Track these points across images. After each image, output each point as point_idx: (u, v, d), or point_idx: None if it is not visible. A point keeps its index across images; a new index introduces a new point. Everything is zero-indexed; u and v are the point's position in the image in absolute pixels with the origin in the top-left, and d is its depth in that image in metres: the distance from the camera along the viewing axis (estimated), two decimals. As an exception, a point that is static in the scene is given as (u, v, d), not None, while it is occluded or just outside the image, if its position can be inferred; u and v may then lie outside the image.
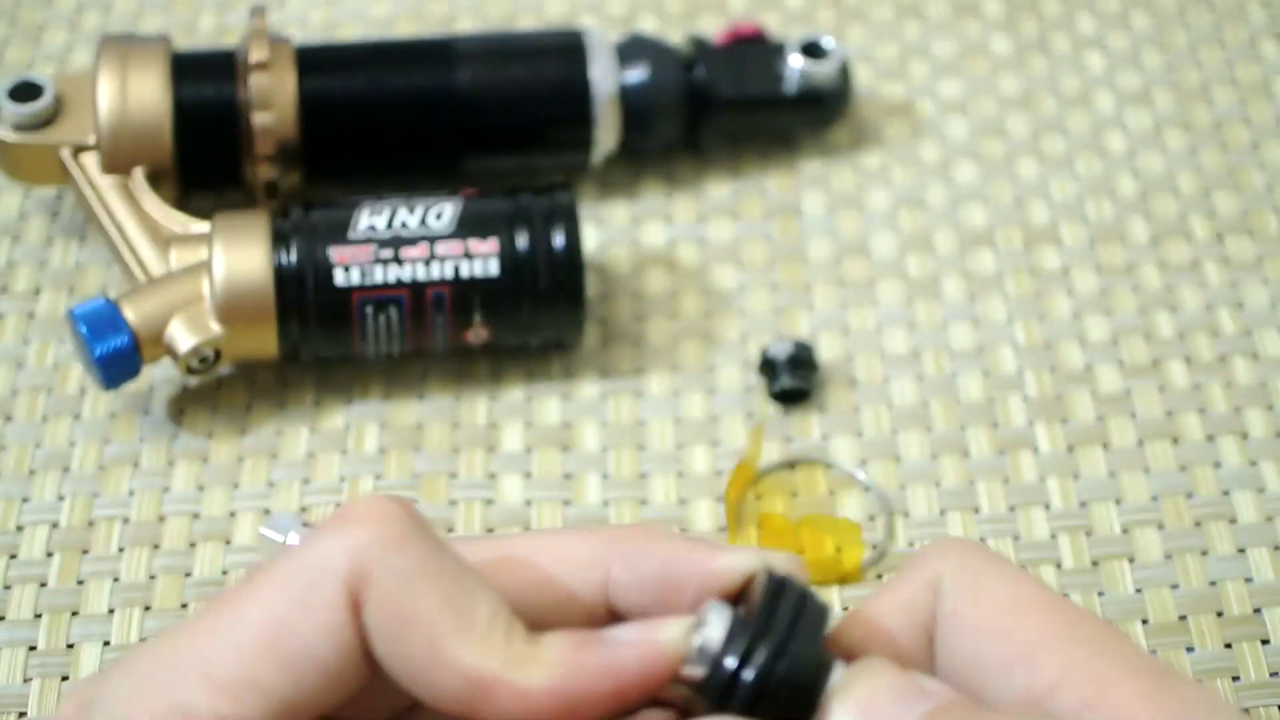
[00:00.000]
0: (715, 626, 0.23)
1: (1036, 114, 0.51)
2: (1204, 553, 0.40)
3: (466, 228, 0.41)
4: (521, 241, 0.41)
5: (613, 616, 0.25)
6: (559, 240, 0.41)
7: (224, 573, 0.39)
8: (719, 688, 0.23)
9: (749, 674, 0.23)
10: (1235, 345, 0.45)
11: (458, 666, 0.22)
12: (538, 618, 0.24)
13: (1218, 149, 0.50)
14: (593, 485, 0.41)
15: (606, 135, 0.46)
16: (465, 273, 0.40)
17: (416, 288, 0.40)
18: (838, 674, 0.23)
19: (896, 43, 0.53)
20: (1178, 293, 0.46)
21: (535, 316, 0.41)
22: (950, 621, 0.24)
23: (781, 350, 0.42)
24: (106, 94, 0.43)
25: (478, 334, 0.41)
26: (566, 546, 0.25)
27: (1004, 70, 0.52)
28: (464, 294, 0.40)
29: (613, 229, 0.47)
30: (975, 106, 0.51)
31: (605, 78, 0.45)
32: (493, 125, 0.46)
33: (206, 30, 0.52)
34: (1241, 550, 0.40)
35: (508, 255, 0.40)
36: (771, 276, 0.46)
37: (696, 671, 0.23)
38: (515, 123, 0.46)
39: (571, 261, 0.41)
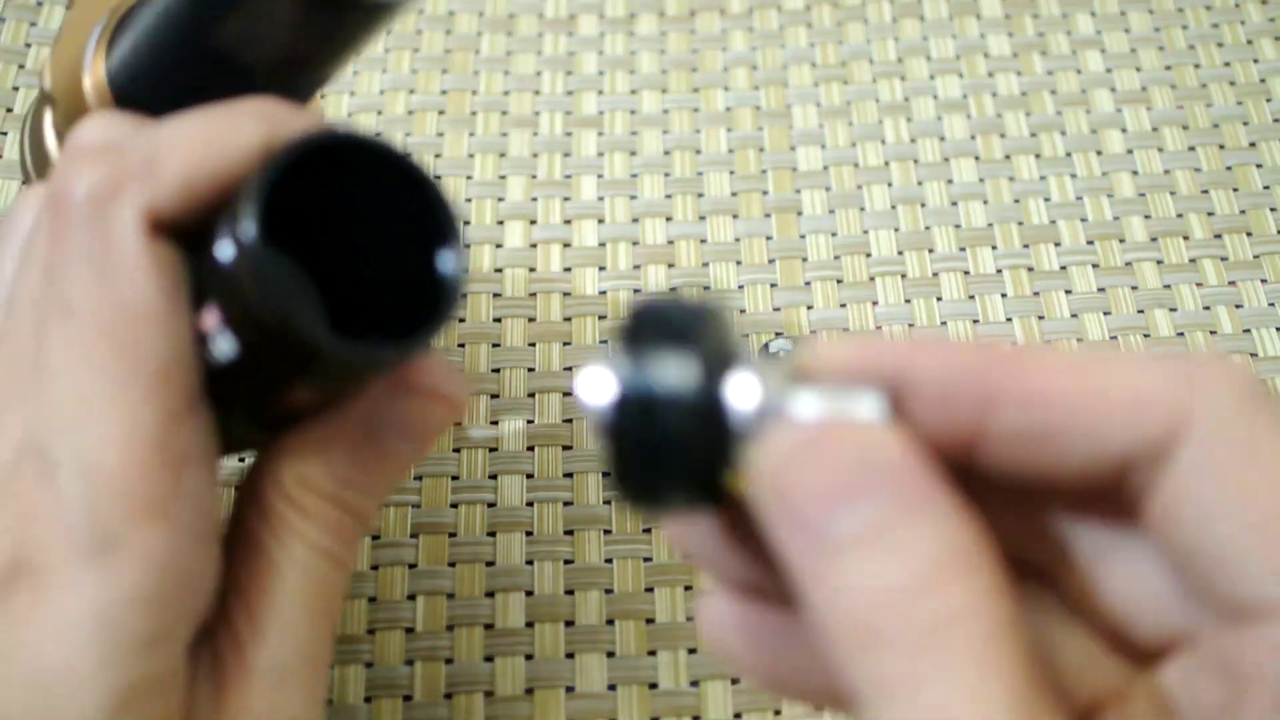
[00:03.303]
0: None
1: (1035, 113, 0.51)
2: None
3: None
4: None
5: None
6: None
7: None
8: (605, 426, 0.22)
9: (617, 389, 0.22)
10: (1233, 344, 0.45)
11: None
12: None
13: (1216, 148, 0.50)
14: (593, 483, 0.42)
15: None
16: None
17: None
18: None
19: (896, 42, 0.53)
20: (1176, 291, 0.46)
21: None
22: (1195, 478, 0.20)
23: (781, 348, 0.43)
24: (29, 163, 0.38)
25: None
26: None
27: (1002, 69, 0.52)
28: None
29: (613, 226, 0.47)
30: (974, 106, 0.51)
31: None
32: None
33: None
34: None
35: None
36: (771, 276, 0.46)
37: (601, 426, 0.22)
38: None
39: None
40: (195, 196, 0.26)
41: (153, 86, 0.32)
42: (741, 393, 0.21)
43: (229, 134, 0.26)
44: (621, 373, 0.22)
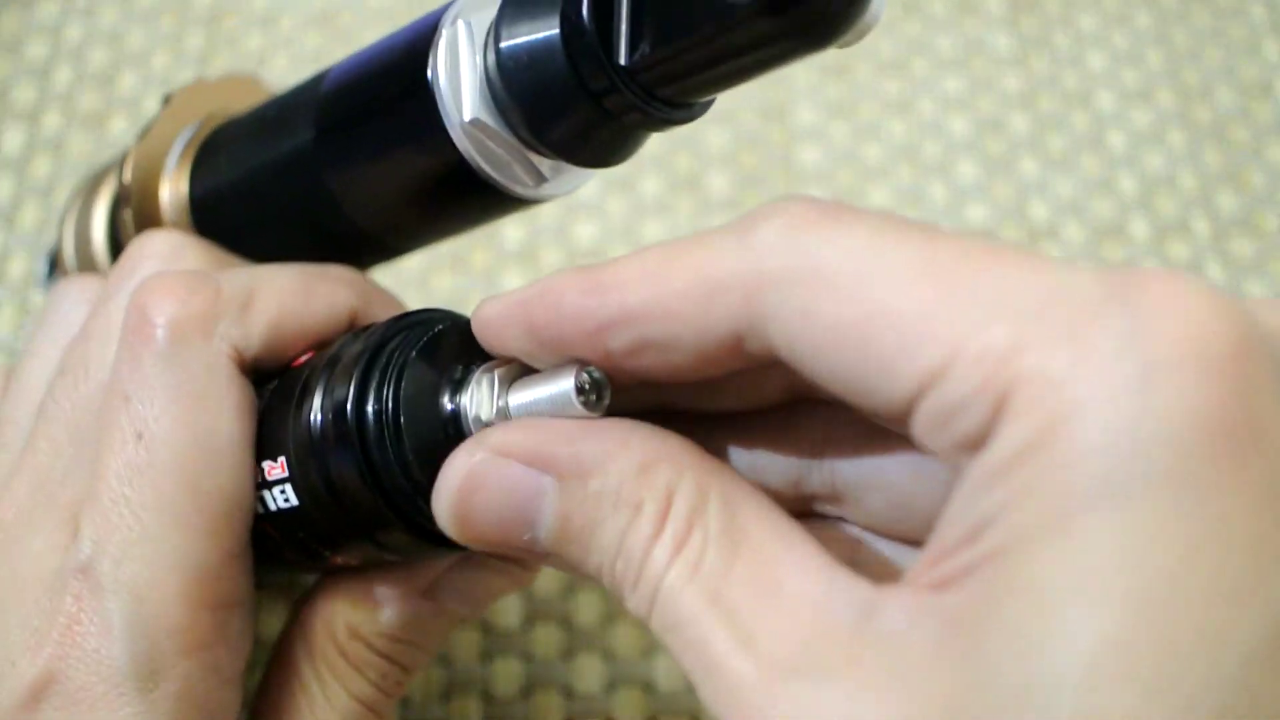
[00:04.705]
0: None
1: (1037, 112, 0.50)
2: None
3: None
4: None
5: None
6: None
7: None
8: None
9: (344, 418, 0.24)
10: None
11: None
12: None
13: (1218, 148, 0.50)
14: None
15: (500, 167, 0.27)
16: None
17: None
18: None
19: (897, 40, 0.53)
20: (1179, 292, 0.46)
21: None
22: (796, 338, 0.19)
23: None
24: (68, 248, 0.37)
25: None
26: None
27: (1005, 68, 0.52)
28: None
29: (613, 224, 0.47)
30: (976, 104, 0.51)
31: (461, 108, 0.26)
32: (380, 207, 0.29)
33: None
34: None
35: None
36: (772, 272, 0.46)
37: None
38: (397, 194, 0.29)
39: None
40: (280, 346, 0.27)
41: (240, 216, 0.31)
42: (473, 413, 0.24)
43: (326, 297, 0.27)
44: (368, 416, 0.24)
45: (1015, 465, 0.17)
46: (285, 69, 0.50)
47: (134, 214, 0.32)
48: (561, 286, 0.22)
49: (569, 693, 0.38)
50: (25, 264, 0.46)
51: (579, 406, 0.22)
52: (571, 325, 0.22)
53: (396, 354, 0.25)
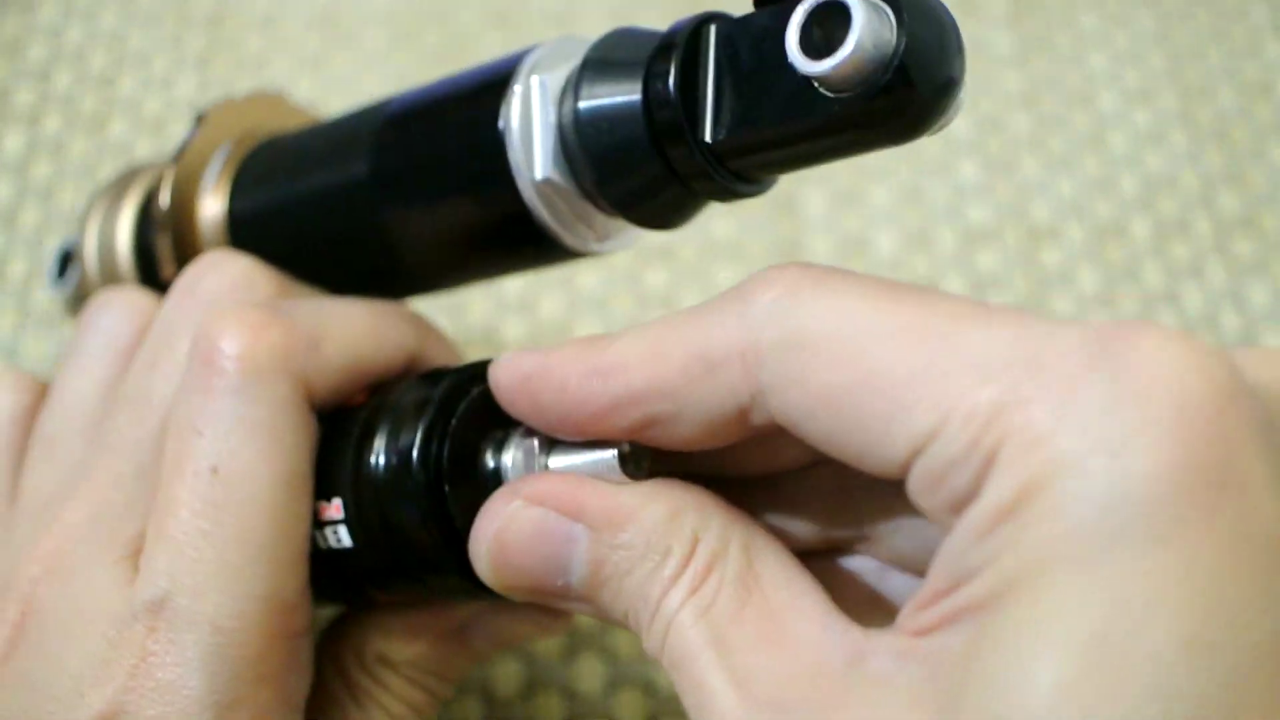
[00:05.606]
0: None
1: (1038, 111, 0.50)
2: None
3: None
4: None
5: None
6: None
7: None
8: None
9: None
10: (1238, 344, 0.44)
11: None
12: None
13: (1220, 148, 0.50)
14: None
15: (564, 221, 0.27)
16: None
17: None
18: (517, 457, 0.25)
19: (898, 39, 0.53)
20: (1180, 291, 0.46)
21: None
22: (792, 406, 0.20)
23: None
24: (90, 252, 0.36)
25: None
26: None
27: (1006, 67, 0.52)
28: None
29: (613, 224, 0.47)
30: (977, 103, 0.51)
31: (533, 164, 0.26)
32: (430, 245, 0.30)
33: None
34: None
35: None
36: (772, 273, 0.46)
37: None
38: (449, 233, 0.29)
39: None
40: (348, 386, 0.27)
41: (281, 240, 0.31)
42: (512, 474, 0.24)
43: (392, 337, 0.28)
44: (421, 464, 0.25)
45: (999, 522, 0.17)
46: (286, 71, 0.50)
47: (172, 237, 0.32)
48: (564, 370, 0.22)
49: (569, 694, 0.38)
50: (26, 266, 0.46)
51: (621, 475, 0.23)
52: (576, 408, 0.22)
53: (458, 405, 0.25)
